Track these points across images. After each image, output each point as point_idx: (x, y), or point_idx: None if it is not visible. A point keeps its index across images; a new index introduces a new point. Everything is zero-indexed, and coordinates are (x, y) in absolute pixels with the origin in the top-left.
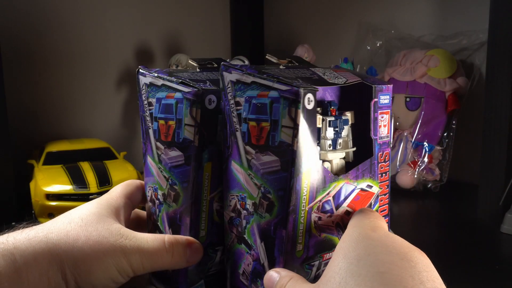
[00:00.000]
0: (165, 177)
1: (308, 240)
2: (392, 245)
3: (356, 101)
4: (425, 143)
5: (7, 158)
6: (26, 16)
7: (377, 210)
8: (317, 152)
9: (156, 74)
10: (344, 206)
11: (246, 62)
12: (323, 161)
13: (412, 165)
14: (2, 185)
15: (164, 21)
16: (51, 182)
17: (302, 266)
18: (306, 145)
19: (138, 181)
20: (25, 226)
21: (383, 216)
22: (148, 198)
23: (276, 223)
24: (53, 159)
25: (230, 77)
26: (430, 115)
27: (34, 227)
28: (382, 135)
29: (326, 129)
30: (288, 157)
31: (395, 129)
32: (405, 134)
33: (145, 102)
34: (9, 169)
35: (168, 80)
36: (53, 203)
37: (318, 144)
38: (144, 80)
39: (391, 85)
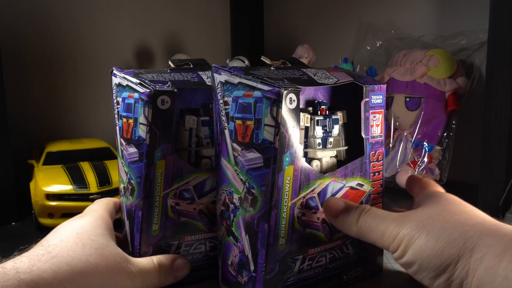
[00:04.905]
0: (125, 171)
1: (291, 235)
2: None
3: (350, 101)
4: (425, 143)
5: (7, 158)
6: (27, 16)
7: None
8: (301, 150)
9: (123, 75)
10: None
11: (246, 62)
12: (312, 159)
13: (412, 165)
14: (2, 185)
15: (164, 21)
16: (51, 182)
17: (284, 260)
18: (288, 143)
19: (114, 199)
20: (28, 249)
21: None
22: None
23: (259, 217)
24: (53, 159)
25: (219, 78)
26: (430, 115)
27: (46, 251)
28: (374, 134)
29: (314, 128)
30: (270, 154)
31: (395, 129)
32: (405, 134)
33: (114, 101)
34: (9, 169)
35: (131, 81)
36: (53, 203)
37: (306, 142)
38: (114, 80)
39: (384, 85)
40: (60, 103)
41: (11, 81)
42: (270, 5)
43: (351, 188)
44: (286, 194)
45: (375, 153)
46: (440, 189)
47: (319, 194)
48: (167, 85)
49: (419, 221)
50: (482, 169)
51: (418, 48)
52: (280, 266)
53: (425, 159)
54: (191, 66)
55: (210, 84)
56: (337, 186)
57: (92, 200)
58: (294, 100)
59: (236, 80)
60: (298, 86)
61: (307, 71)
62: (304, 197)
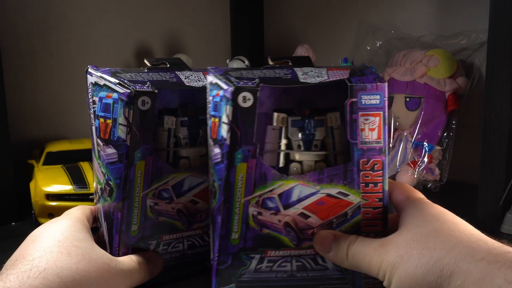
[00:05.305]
0: (102, 172)
1: (246, 232)
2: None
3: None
4: (425, 143)
5: (7, 158)
6: (26, 16)
7: (358, 223)
8: (257, 149)
9: (100, 74)
10: (298, 208)
11: (246, 62)
12: (292, 161)
13: (412, 165)
14: (2, 185)
15: (164, 21)
16: (51, 182)
17: (238, 255)
18: (240, 141)
19: (91, 206)
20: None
21: (373, 233)
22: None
23: (216, 209)
24: (53, 159)
25: (208, 78)
26: (430, 115)
27: (33, 266)
28: (366, 139)
29: (288, 129)
30: (224, 151)
31: (395, 129)
32: (405, 134)
33: (90, 100)
34: (9, 169)
35: (109, 81)
36: (53, 203)
37: (280, 143)
38: (90, 79)
39: (383, 84)
40: (61, 103)
41: (11, 81)
42: (270, 5)
43: (329, 195)
44: (239, 190)
45: (367, 161)
46: (420, 195)
47: (280, 195)
48: (147, 85)
49: (398, 249)
50: (482, 169)
51: (418, 48)
52: (233, 260)
53: (425, 159)
54: (168, 65)
55: (188, 84)
56: (306, 191)
57: (92, 200)
58: (249, 99)
59: (215, 80)
60: (258, 86)
61: (297, 70)
62: (260, 196)
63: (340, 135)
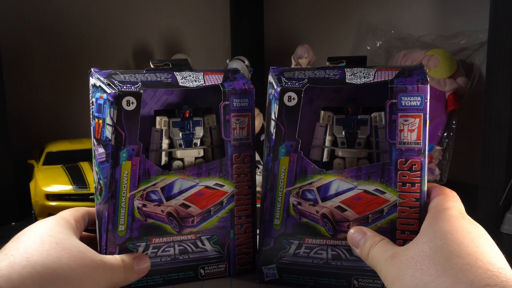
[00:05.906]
0: (96, 171)
1: (286, 219)
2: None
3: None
4: None
5: (7, 158)
6: (26, 16)
7: (394, 220)
8: (299, 144)
9: (97, 76)
10: (336, 201)
11: (246, 62)
12: (336, 157)
13: None
14: (2, 185)
15: (164, 21)
16: (51, 182)
17: (279, 239)
18: (285, 137)
19: (85, 208)
20: None
21: (408, 231)
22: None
23: (263, 196)
24: (53, 159)
25: (269, 78)
26: (430, 115)
27: (3, 254)
28: (405, 140)
29: (334, 126)
30: (270, 145)
31: None
32: None
33: (90, 101)
34: (9, 169)
35: (102, 82)
36: (53, 203)
37: (325, 139)
38: (91, 81)
39: (426, 86)
40: (61, 103)
41: (11, 81)
42: (270, 6)
43: (366, 192)
44: (282, 181)
45: (405, 162)
46: (449, 205)
47: (319, 188)
48: (137, 85)
49: (399, 265)
50: (482, 169)
51: (418, 48)
52: (275, 243)
53: None
54: (170, 66)
55: (183, 84)
56: (344, 186)
57: (92, 200)
58: (293, 99)
59: (271, 79)
60: (304, 87)
61: (347, 71)
62: (300, 187)
63: (384, 134)
